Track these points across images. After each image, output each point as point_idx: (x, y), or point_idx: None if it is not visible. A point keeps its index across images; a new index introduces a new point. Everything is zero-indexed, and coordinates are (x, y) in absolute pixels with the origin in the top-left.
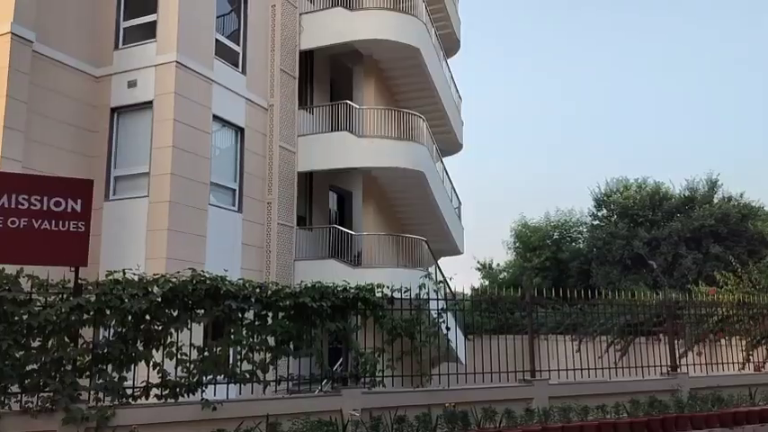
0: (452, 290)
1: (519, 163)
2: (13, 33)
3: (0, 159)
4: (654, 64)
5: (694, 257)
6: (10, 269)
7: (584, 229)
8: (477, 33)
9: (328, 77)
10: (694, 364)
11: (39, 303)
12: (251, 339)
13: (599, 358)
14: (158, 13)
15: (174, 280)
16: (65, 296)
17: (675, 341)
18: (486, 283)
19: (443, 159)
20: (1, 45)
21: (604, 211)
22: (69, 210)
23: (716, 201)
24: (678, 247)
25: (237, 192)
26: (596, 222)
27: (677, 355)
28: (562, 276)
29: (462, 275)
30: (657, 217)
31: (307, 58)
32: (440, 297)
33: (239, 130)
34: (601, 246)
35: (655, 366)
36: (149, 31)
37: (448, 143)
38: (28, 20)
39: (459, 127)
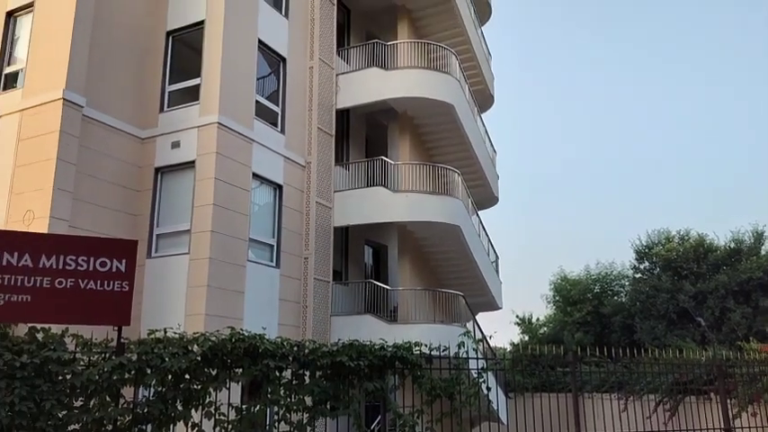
0: (492, 347)
1: (556, 215)
2: (65, 99)
3: (49, 219)
4: (688, 114)
5: (743, 312)
6: (56, 329)
7: (627, 283)
8: (511, 86)
9: (364, 134)
10: (749, 426)
11: (82, 363)
12: (288, 399)
13: (647, 419)
14: (202, 77)
15: (213, 338)
16: (107, 355)
17: (728, 401)
18: (526, 338)
19: (479, 213)
20: (53, 110)
21: (646, 263)
22: (114, 270)
23: (763, 252)
24: (726, 300)
25: (275, 247)
26: (638, 275)
27: (730, 416)
28: (605, 331)
29: (501, 329)
30: (702, 270)
31: (343, 116)
32: (479, 356)
33: (277, 187)
34: (644, 300)
35: (707, 429)
36: (193, 95)
37: (484, 197)
38: (79, 86)
39: (495, 180)
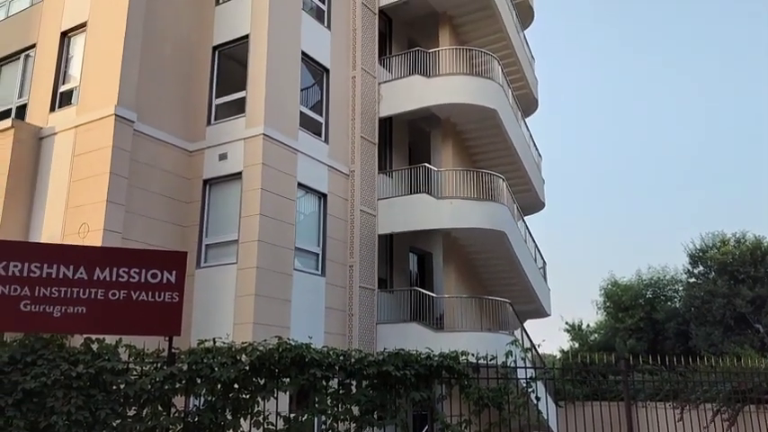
0: (541, 355)
1: (605, 218)
2: (116, 115)
3: (103, 232)
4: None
5: None
6: (110, 339)
7: (680, 288)
8: (557, 90)
9: (407, 141)
10: None
11: (135, 373)
12: (335, 408)
13: (704, 428)
14: (247, 90)
15: (261, 348)
16: (159, 365)
17: None
18: (576, 345)
19: (525, 218)
20: (106, 126)
21: (701, 267)
22: (165, 281)
23: None
24: None
25: (320, 256)
26: (693, 280)
27: None
28: (658, 338)
29: (550, 336)
30: (760, 273)
31: (386, 124)
32: (528, 365)
33: (322, 196)
34: (699, 305)
35: None
36: (239, 107)
37: (529, 202)
38: (130, 102)
39: (541, 185)
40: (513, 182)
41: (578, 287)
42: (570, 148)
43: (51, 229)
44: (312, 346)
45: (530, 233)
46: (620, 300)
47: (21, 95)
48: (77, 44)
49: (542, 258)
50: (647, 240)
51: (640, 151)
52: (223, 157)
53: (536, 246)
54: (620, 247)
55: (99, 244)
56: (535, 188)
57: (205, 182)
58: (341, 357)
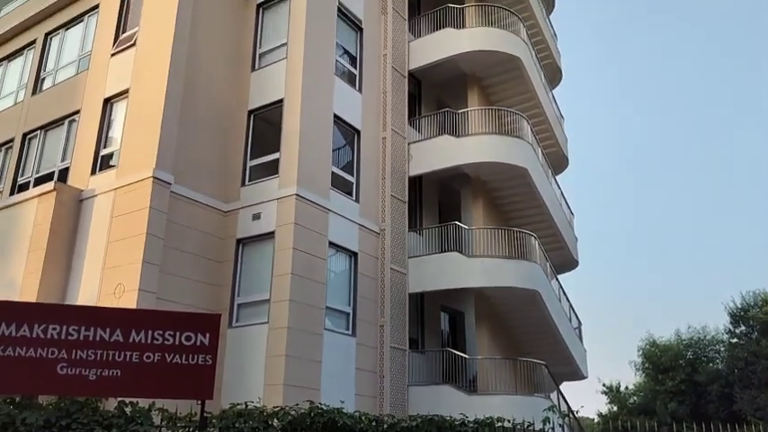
0: (578, 420)
1: (640, 276)
2: (154, 177)
3: (138, 292)
4: None
5: None
6: (143, 402)
7: (722, 348)
8: (588, 147)
9: (437, 200)
10: None
11: None
12: None
13: None
14: (281, 152)
15: (293, 413)
16: (191, 429)
17: None
18: (615, 408)
19: (559, 277)
20: (144, 188)
21: (743, 327)
22: (198, 343)
23: None
24: None
25: (351, 315)
26: (735, 340)
27: None
28: (701, 401)
29: (587, 398)
30: None
31: (416, 182)
32: (566, 431)
33: (353, 255)
34: (743, 367)
35: None
36: (273, 168)
37: (562, 260)
38: (167, 164)
39: (574, 243)
40: (545, 240)
41: (615, 348)
42: (602, 206)
43: (88, 289)
44: (344, 410)
45: (564, 292)
46: (659, 361)
47: (64, 159)
48: (119, 110)
49: (577, 318)
50: (686, 298)
51: (675, 207)
52: (256, 217)
53: (570, 305)
54: (657, 306)
55: (134, 304)
56: (568, 246)
57: (238, 241)
58: (373, 423)
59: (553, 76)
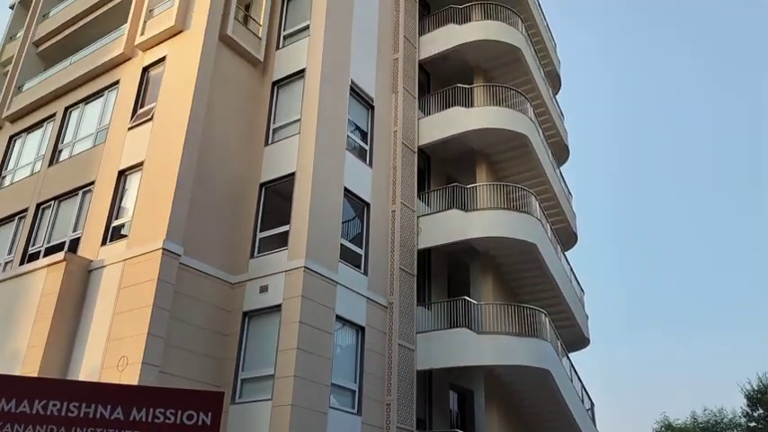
0: None
1: (653, 355)
2: (164, 249)
3: (141, 365)
4: None
5: None
6: None
7: None
8: (595, 222)
9: (446, 274)
10: None
11: None
12: None
13: None
14: (291, 224)
15: None
16: None
17: None
18: None
19: (570, 355)
20: (153, 260)
21: (761, 410)
22: (200, 423)
23: None
24: None
25: (357, 393)
26: (753, 424)
27: None
28: None
29: None
30: None
31: (425, 255)
32: None
33: (360, 330)
34: None
35: None
36: (282, 241)
37: (573, 338)
38: (178, 236)
39: (584, 320)
40: (555, 317)
41: (629, 430)
42: (613, 282)
43: (91, 361)
44: None
45: (575, 371)
46: None
47: (75, 229)
48: (133, 182)
49: (590, 399)
50: (699, 378)
51: (686, 285)
52: (264, 289)
53: (582, 385)
54: (671, 386)
55: (137, 377)
56: (579, 323)
57: (245, 314)
58: None
59: (560, 153)
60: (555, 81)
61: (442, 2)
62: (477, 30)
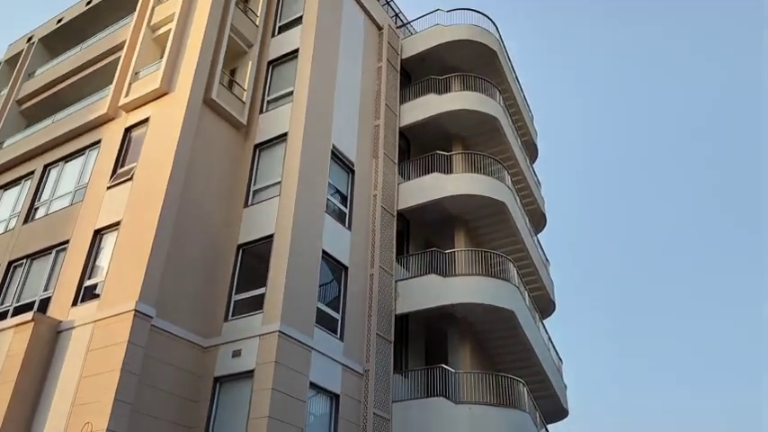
0: None
1: (636, 425)
2: (136, 311)
3: None
4: None
5: None
6: None
7: None
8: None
9: (423, 340)
10: None
11: None
12: None
13: None
14: (267, 287)
15: None
16: None
17: None
18: None
19: (549, 427)
20: (124, 321)
21: None
22: None
23: None
24: None
25: None
26: None
27: None
28: None
29: None
30: None
31: (402, 321)
32: None
33: (334, 397)
34: None
35: None
36: (257, 304)
37: (552, 408)
38: (151, 297)
39: (563, 390)
40: (533, 386)
41: None
42: (592, 351)
43: (54, 427)
44: None
45: None
46: None
47: (47, 288)
48: (108, 241)
49: None
50: None
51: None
52: (237, 354)
53: None
54: None
55: None
56: (557, 393)
57: (216, 380)
58: None
59: (538, 221)
60: (532, 150)
61: (422, 72)
62: (457, 100)
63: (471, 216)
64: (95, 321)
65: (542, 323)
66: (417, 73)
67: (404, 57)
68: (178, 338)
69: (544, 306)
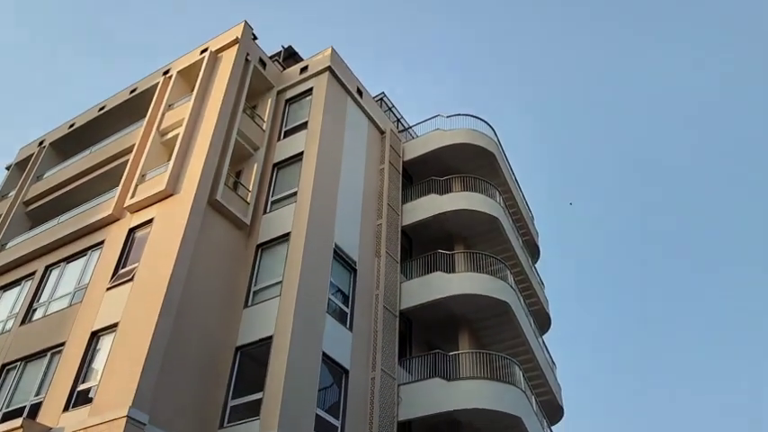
0: None
1: None
2: (129, 417)
3: None
4: None
5: None
6: None
7: None
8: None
9: None
10: None
11: None
12: None
13: None
14: (264, 392)
15: None
16: None
17: None
18: None
19: None
20: (115, 428)
21: None
22: None
23: None
24: None
25: None
26: None
27: None
28: None
29: None
30: None
31: (405, 428)
32: None
33: None
34: None
35: None
36: (254, 410)
37: None
38: (145, 403)
39: None
40: None
41: None
42: None
43: None
44: None
45: None
46: None
47: (38, 393)
48: (105, 343)
49: None
50: None
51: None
52: None
53: None
54: None
55: None
56: None
57: None
58: None
59: (542, 322)
60: (533, 250)
61: (423, 173)
62: (458, 200)
63: (475, 316)
64: (86, 428)
65: (550, 429)
66: (419, 174)
67: (405, 159)
68: None
69: (552, 411)
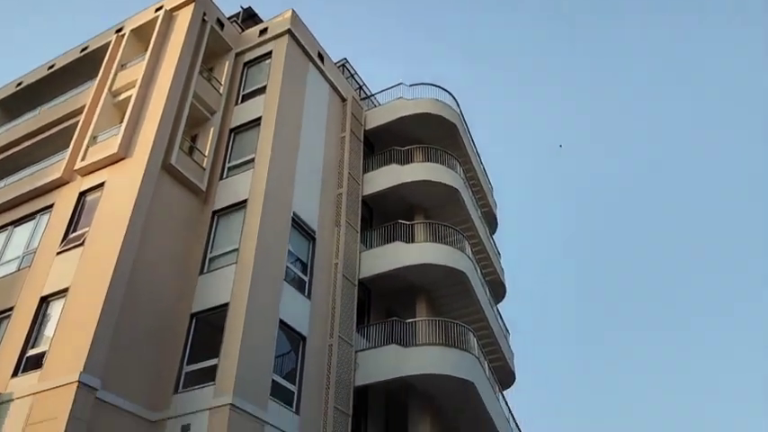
0: None
1: None
2: (80, 382)
3: None
4: None
5: None
6: None
7: None
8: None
9: (384, 414)
10: None
11: None
12: None
13: None
14: (220, 357)
15: None
16: None
17: None
18: None
19: None
20: (66, 394)
21: None
22: None
23: None
24: None
25: None
26: None
27: None
28: None
29: None
30: None
31: (361, 394)
32: None
33: None
34: None
35: None
36: (210, 375)
37: None
38: (97, 368)
39: None
40: None
41: None
42: (551, 419)
43: None
44: None
45: None
46: None
47: None
48: (55, 309)
49: None
50: None
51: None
52: (186, 429)
53: None
54: None
55: None
56: None
57: None
58: None
59: (497, 291)
60: (492, 221)
61: (385, 143)
62: (418, 170)
63: (432, 286)
64: (35, 393)
65: (503, 394)
66: (380, 143)
67: (367, 128)
68: (124, 412)
69: (504, 377)
